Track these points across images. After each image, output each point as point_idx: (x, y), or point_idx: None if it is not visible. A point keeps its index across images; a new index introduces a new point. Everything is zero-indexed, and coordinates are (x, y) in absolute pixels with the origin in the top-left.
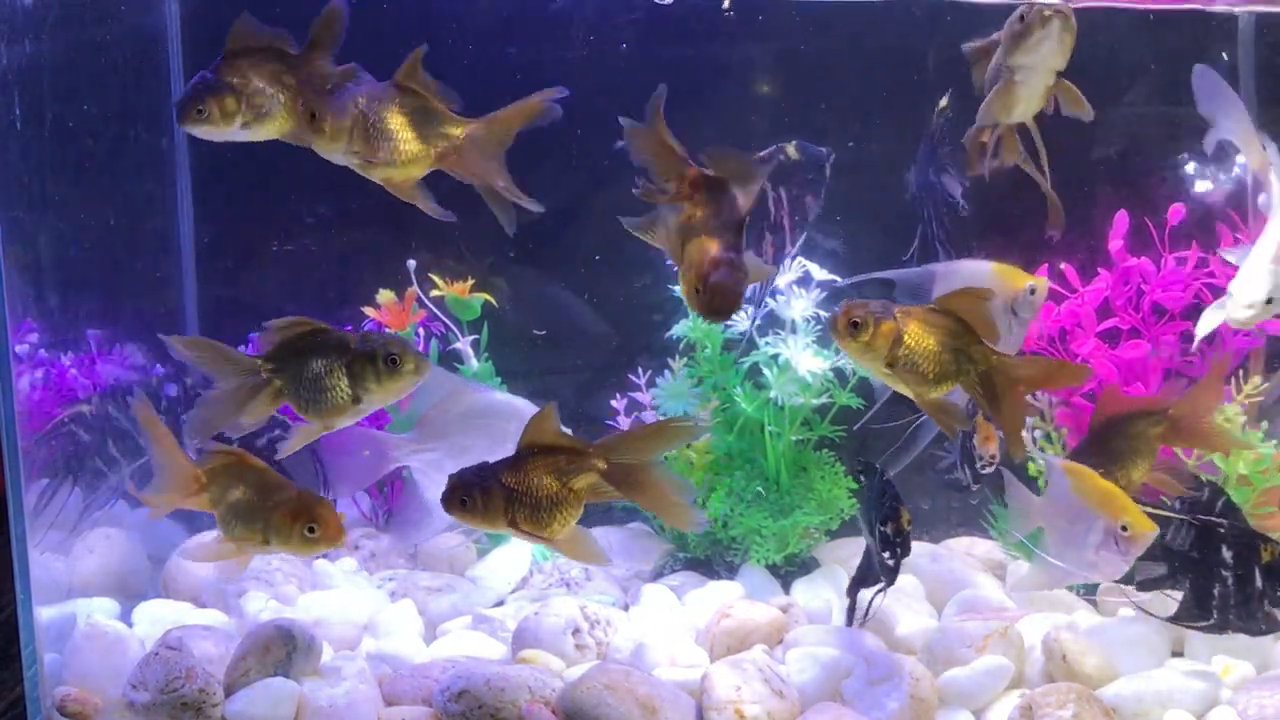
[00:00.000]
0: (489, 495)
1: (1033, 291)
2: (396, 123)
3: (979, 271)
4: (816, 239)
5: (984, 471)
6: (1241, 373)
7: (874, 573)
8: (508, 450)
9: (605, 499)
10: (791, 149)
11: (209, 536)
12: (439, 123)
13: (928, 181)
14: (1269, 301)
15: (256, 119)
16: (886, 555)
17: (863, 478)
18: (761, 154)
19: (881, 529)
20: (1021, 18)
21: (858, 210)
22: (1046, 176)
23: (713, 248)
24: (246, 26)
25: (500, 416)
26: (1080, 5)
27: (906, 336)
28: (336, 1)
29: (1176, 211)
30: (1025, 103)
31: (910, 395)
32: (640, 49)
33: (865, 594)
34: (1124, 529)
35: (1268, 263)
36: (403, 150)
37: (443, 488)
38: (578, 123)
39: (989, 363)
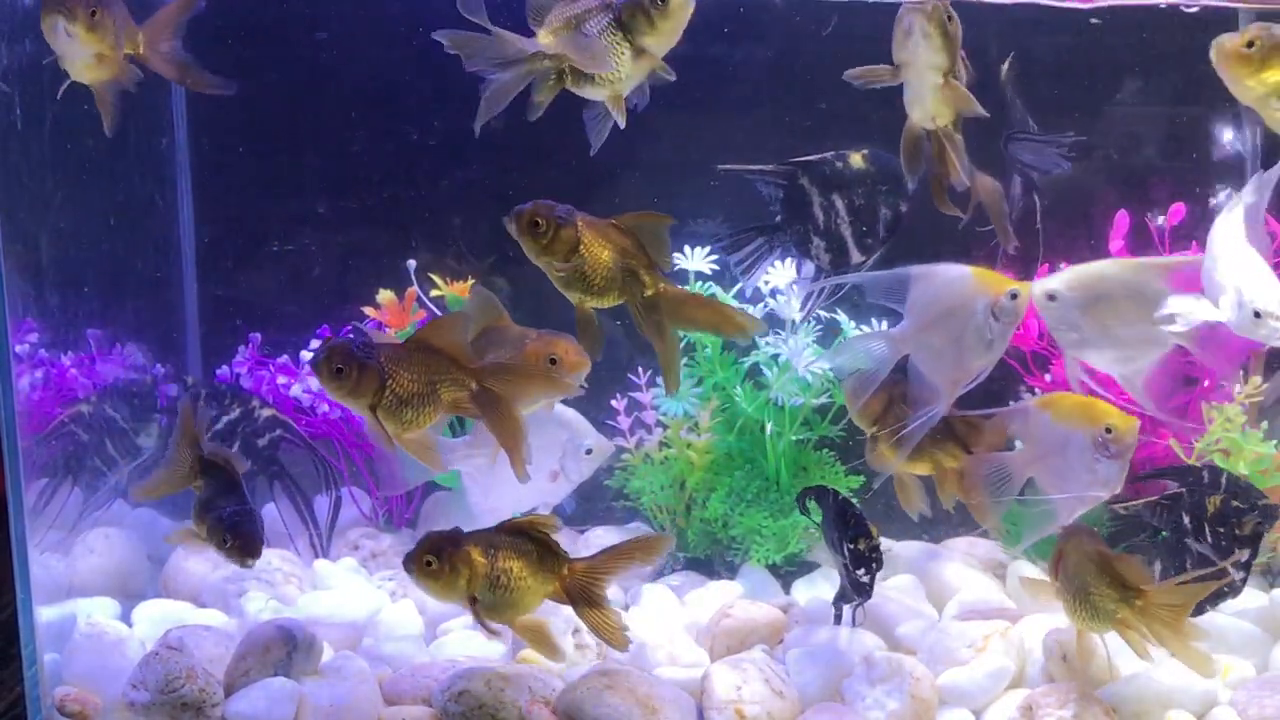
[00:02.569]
0: (365, 373)
1: (1014, 296)
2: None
3: (958, 276)
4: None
5: None
6: (1242, 374)
7: (847, 589)
8: (554, 459)
9: (465, 414)
10: (858, 158)
11: None
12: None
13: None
14: None
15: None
16: (861, 571)
17: (816, 504)
18: (809, 158)
19: (852, 547)
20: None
21: None
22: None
23: None
24: None
25: (551, 425)
26: (1084, 5)
27: (583, 246)
28: None
29: (1177, 211)
30: (919, 106)
31: (572, 300)
32: None
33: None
34: (1108, 431)
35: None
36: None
37: (491, 493)
38: (577, 123)
39: (656, 288)
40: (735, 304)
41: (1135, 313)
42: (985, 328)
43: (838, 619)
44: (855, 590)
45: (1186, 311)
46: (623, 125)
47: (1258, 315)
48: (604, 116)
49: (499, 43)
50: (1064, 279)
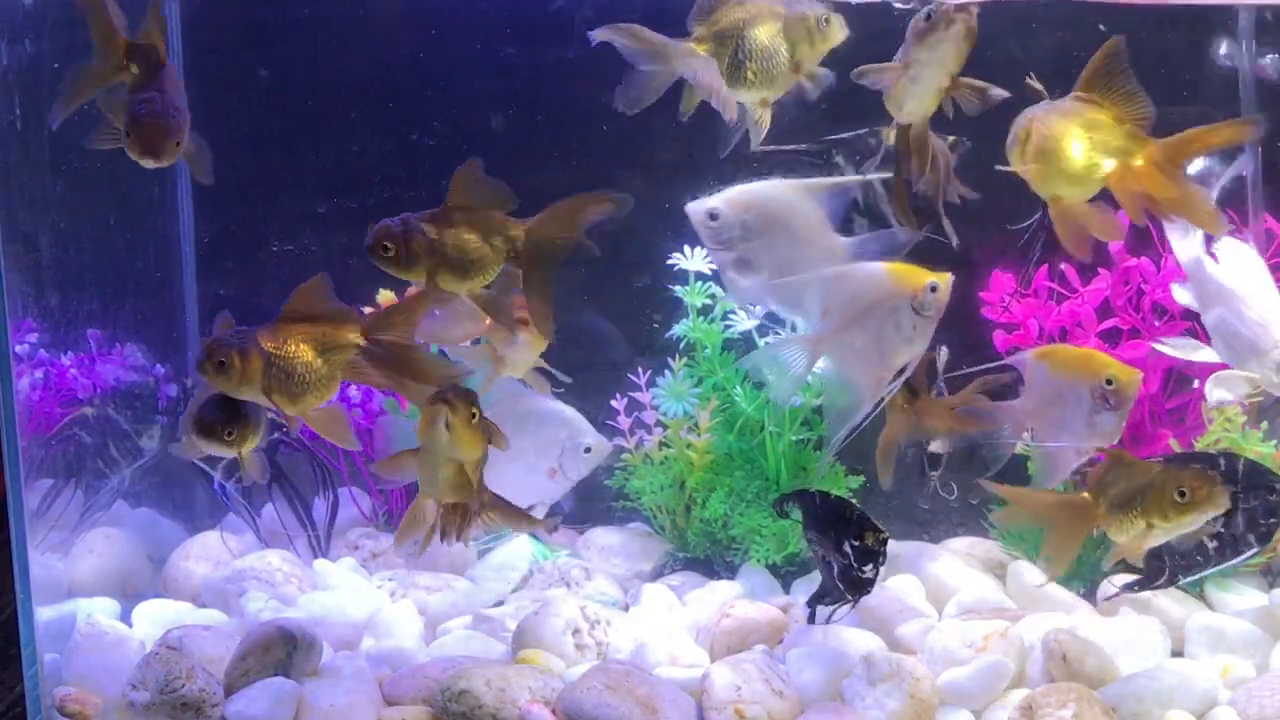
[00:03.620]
0: (247, 359)
1: (934, 289)
2: None
3: (875, 272)
4: None
5: (932, 449)
6: None
7: (834, 589)
8: (552, 458)
9: (366, 381)
10: (892, 134)
11: (211, 536)
12: None
13: None
14: None
15: None
16: (869, 567)
17: (797, 505)
18: (844, 135)
19: (857, 543)
20: (928, 16)
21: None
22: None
23: None
24: None
25: (550, 423)
26: (1086, 2)
27: (439, 244)
28: None
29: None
30: (917, 100)
31: (461, 292)
32: None
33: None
34: (1109, 383)
35: None
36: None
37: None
38: (577, 123)
39: (524, 236)
40: None
41: (789, 231)
42: (907, 323)
43: (812, 619)
44: (854, 587)
45: (1226, 385)
46: (763, 132)
47: None
48: (749, 123)
49: (662, 48)
50: (724, 197)
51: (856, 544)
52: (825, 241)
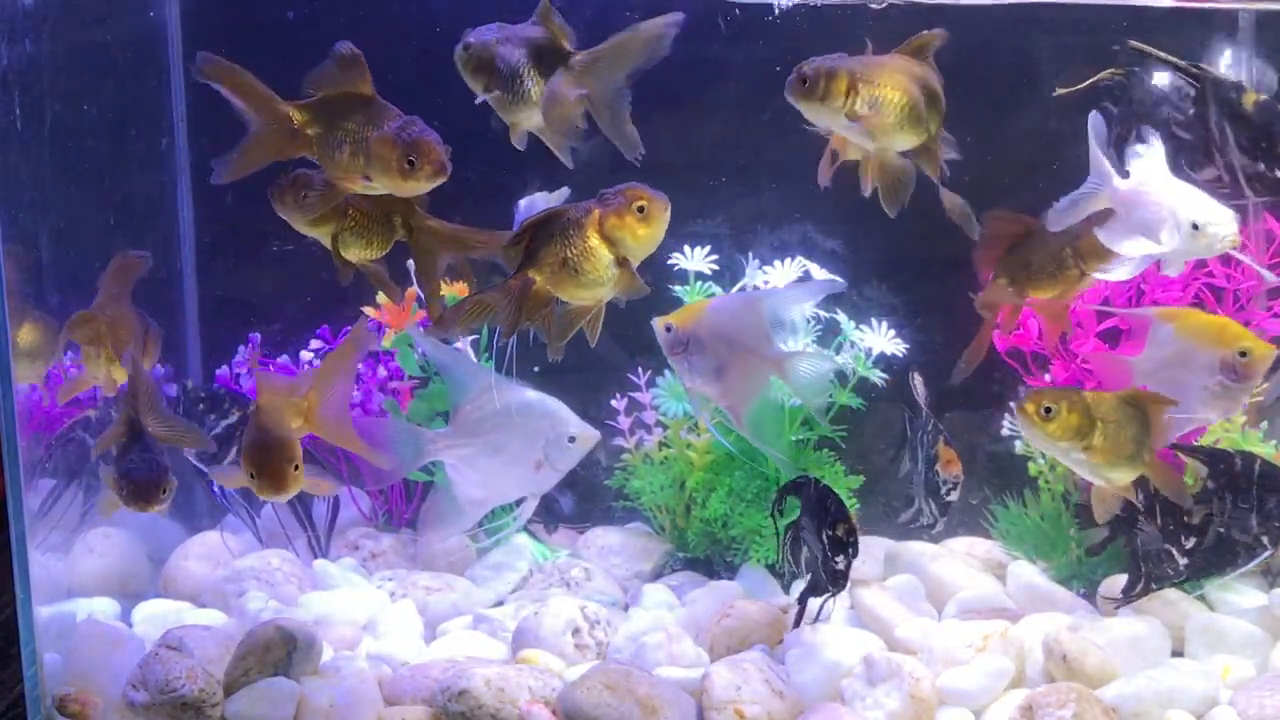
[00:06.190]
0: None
1: None
2: None
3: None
4: (816, 239)
5: (949, 498)
6: None
7: (823, 581)
8: (537, 449)
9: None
10: (1251, 98)
11: (211, 536)
12: None
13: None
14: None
15: None
16: (839, 559)
17: (797, 495)
18: (1220, 74)
19: (830, 533)
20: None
21: (857, 208)
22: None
23: None
24: None
25: (534, 416)
26: (1083, 3)
27: (351, 208)
28: None
29: None
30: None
31: (352, 259)
32: None
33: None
34: (1242, 355)
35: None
36: None
37: (476, 485)
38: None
39: (416, 224)
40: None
41: None
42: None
43: (799, 618)
44: (831, 580)
45: (1132, 251)
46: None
47: (1195, 228)
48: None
49: None
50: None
51: (830, 534)
52: None
